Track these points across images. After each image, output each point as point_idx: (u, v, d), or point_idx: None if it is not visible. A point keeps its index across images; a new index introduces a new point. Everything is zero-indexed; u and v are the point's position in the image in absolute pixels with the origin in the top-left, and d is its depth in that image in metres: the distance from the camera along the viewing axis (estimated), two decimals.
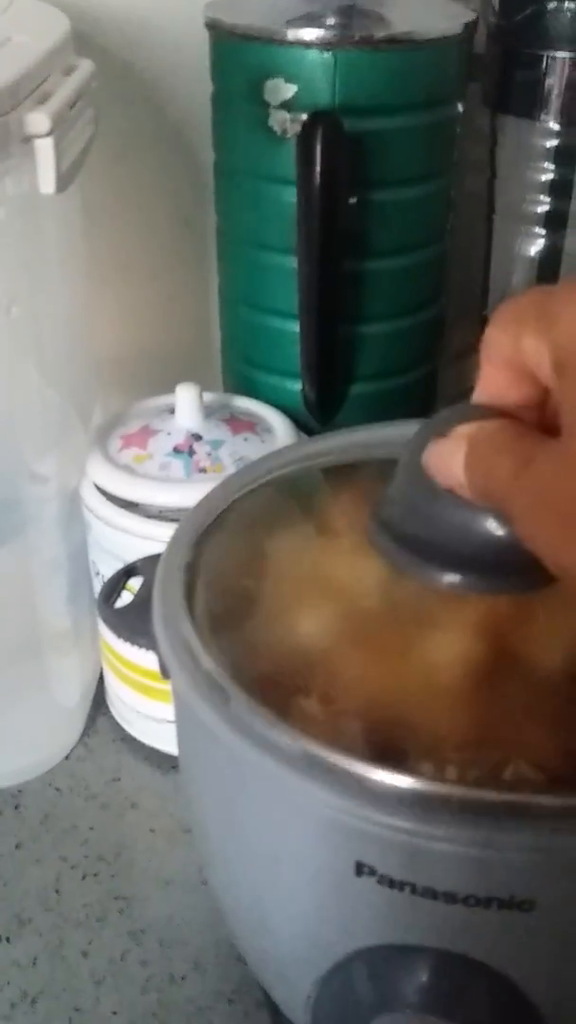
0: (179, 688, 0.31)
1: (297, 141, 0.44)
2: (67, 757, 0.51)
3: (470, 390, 0.66)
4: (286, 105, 0.46)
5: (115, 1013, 0.40)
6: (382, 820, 0.26)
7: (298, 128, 0.45)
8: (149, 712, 0.50)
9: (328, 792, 0.27)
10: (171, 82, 0.56)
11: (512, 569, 0.32)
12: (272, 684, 0.31)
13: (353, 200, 0.47)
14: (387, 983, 0.30)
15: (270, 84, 0.46)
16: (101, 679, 0.54)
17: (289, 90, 0.46)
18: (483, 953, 0.29)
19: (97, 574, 0.49)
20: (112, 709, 0.53)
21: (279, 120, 0.47)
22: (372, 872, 0.28)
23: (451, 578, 0.32)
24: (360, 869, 0.28)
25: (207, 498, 0.39)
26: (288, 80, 0.46)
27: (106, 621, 0.38)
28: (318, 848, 0.29)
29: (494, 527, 0.33)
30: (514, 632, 0.32)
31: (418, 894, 0.28)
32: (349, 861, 0.28)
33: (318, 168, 0.43)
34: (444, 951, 0.29)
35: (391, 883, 0.28)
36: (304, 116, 0.45)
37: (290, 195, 0.46)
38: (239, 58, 0.47)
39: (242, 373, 0.55)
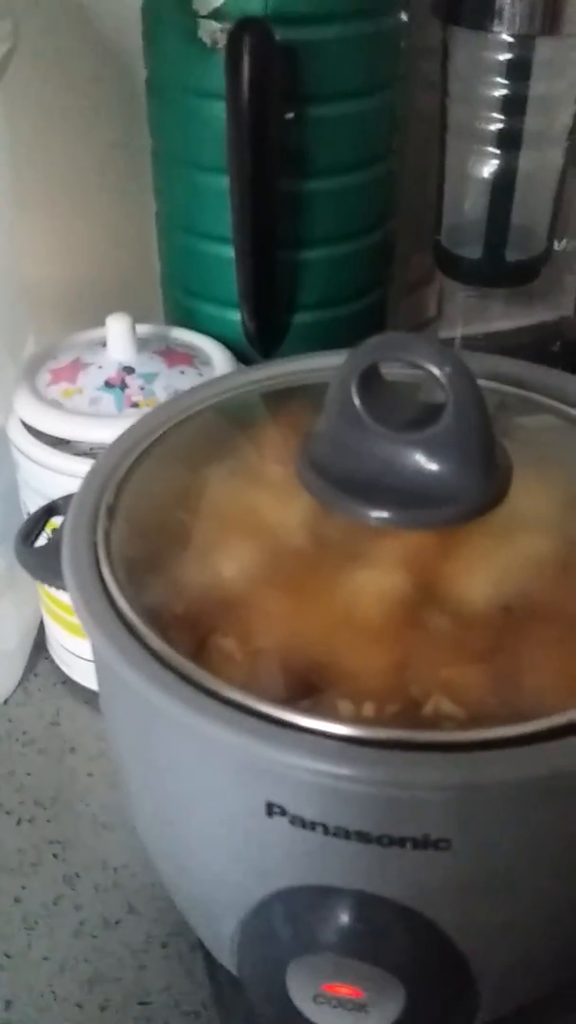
0: (87, 629, 0.30)
1: (225, 52, 0.42)
2: (5, 702, 0.50)
3: (425, 322, 0.64)
4: (216, 14, 0.44)
5: (46, 959, 0.40)
6: (288, 761, 0.25)
7: None
8: (87, 655, 0.48)
9: (234, 733, 0.26)
10: None
11: (437, 503, 0.31)
12: (189, 624, 0.30)
13: (290, 115, 0.45)
14: (306, 925, 0.29)
15: None
16: (43, 623, 0.52)
17: None
18: (400, 894, 0.28)
19: (28, 514, 0.48)
20: (52, 653, 0.52)
21: (208, 31, 0.44)
22: (283, 812, 0.27)
23: (377, 513, 0.31)
24: (271, 810, 0.27)
25: (127, 432, 0.37)
26: None
27: (21, 561, 0.36)
28: (229, 789, 0.28)
29: (420, 461, 0.31)
30: (438, 567, 0.31)
31: (331, 834, 0.26)
32: (260, 801, 0.27)
33: (246, 80, 0.41)
34: (361, 892, 0.28)
35: (303, 823, 0.27)
36: None
37: (223, 111, 0.44)
38: None
39: (182, 303, 0.53)
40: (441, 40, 0.52)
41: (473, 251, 0.55)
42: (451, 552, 0.31)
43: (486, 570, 0.31)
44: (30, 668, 0.52)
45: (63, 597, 0.48)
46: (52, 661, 0.52)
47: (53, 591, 0.48)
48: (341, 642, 0.30)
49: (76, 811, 0.45)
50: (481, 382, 0.37)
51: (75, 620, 0.49)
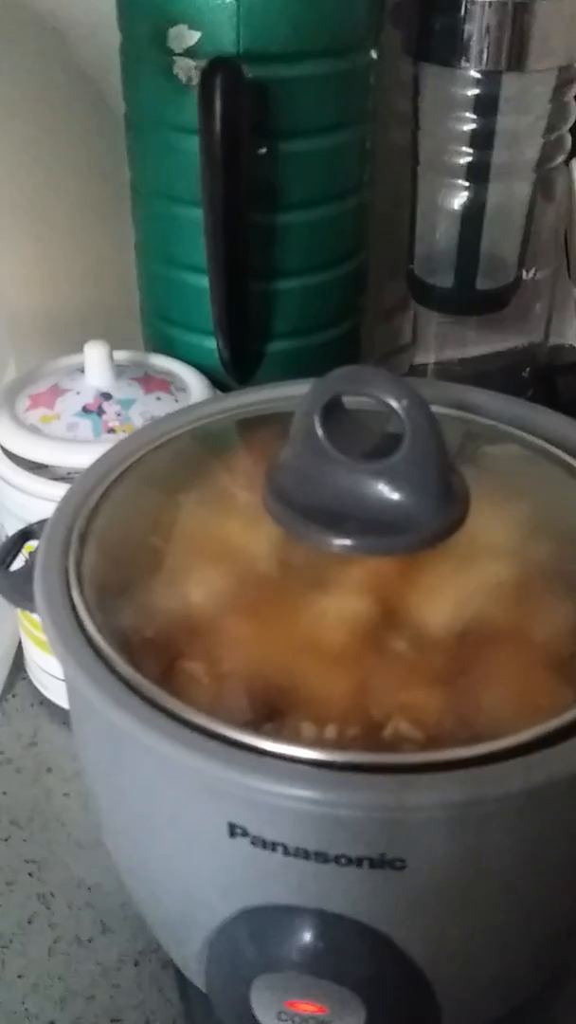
0: (57, 652, 0.30)
1: (197, 89, 0.43)
2: None
3: (400, 349, 0.65)
4: (190, 52, 0.45)
5: (20, 976, 0.40)
6: (248, 783, 0.26)
7: None
8: None
9: (196, 756, 0.27)
10: (79, 31, 0.54)
11: (397, 531, 0.32)
12: (157, 648, 0.31)
13: (262, 150, 0.46)
14: (269, 943, 0.30)
15: (174, 31, 0.45)
16: (21, 644, 0.53)
17: (193, 37, 0.45)
18: (359, 912, 0.28)
19: (5, 538, 0.48)
20: (30, 673, 0.52)
21: (183, 68, 0.45)
22: (245, 833, 0.28)
23: (339, 541, 0.32)
24: (233, 830, 0.28)
25: (101, 459, 0.38)
26: (192, 27, 0.44)
27: None
28: (193, 810, 0.29)
29: (381, 490, 0.32)
30: (399, 593, 0.32)
31: (291, 854, 0.27)
32: (222, 823, 0.28)
33: (218, 116, 0.42)
34: (321, 911, 0.29)
35: (264, 844, 0.27)
36: None
37: (197, 145, 0.45)
38: (144, 4, 0.46)
39: (159, 331, 0.54)
40: (412, 76, 0.54)
41: (445, 280, 0.56)
42: (411, 578, 0.32)
43: (445, 596, 0.32)
44: (8, 688, 0.52)
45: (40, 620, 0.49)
46: (30, 682, 0.52)
47: (30, 613, 0.49)
48: (304, 666, 0.30)
49: (52, 831, 0.46)
50: (444, 411, 0.39)
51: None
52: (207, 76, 0.42)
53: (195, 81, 0.45)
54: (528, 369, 0.62)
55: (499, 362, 0.63)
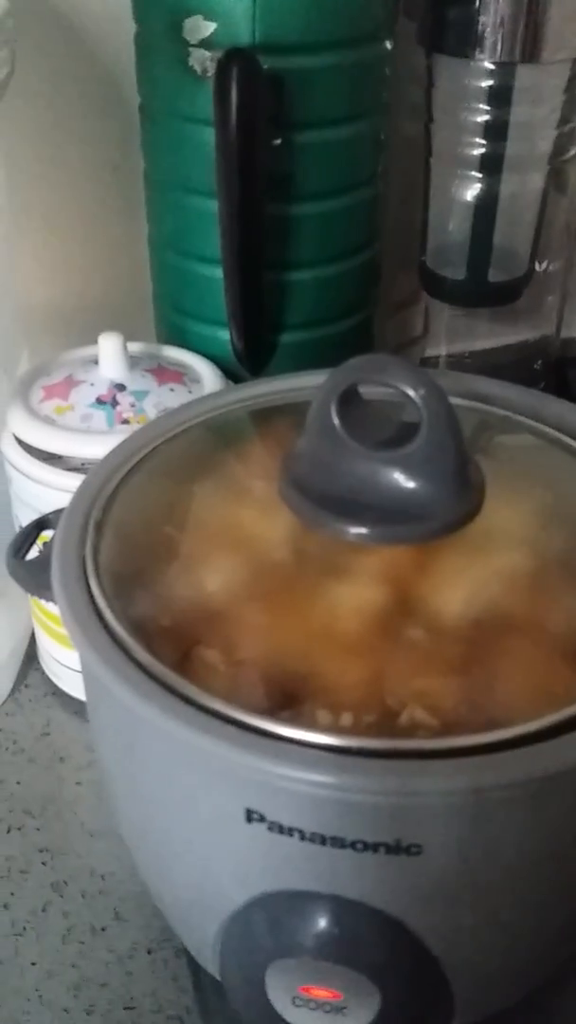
0: (75, 640, 0.31)
1: (214, 80, 0.43)
2: None
3: (411, 341, 0.65)
4: (205, 43, 0.45)
5: (34, 964, 0.40)
6: (265, 768, 0.26)
7: None
8: (78, 666, 0.49)
9: (213, 741, 0.27)
10: (95, 22, 0.54)
11: (412, 520, 0.32)
12: (174, 636, 0.31)
13: (277, 141, 0.46)
14: (284, 929, 0.30)
15: (189, 22, 0.45)
16: (34, 634, 0.53)
17: (208, 28, 0.45)
18: (375, 898, 0.29)
19: (20, 528, 0.49)
20: (43, 664, 0.52)
21: (199, 59, 0.45)
22: (262, 819, 0.28)
23: (355, 529, 0.32)
24: (250, 816, 0.28)
25: (117, 449, 0.38)
26: (207, 17, 0.45)
27: (12, 574, 0.37)
28: (209, 796, 0.29)
29: (396, 479, 0.33)
30: (414, 582, 0.32)
31: (307, 840, 0.27)
32: (239, 808, 0.28)
33: (234, 107, 0.42)
34: (336, 897, 0.29)
35: (281, 829, 0.28)
36: None
37: (212, 137, 0.45)
38: None
39: (173, 322, 0.54)
40: (425, 67, 0.54)
41: (457, 272, 0.56)
42: (427, 567, 0.32)
43: (460, 584, 0.32)
44: (21, 679, 0.53)
45: (54, 609, 0.49)
46: (43, 672, 0.53)
47: (44, 603, 0.49)
48: (320, 654, 0.30)
49: (65, 820, 0.46)
50: (459, 401, 0.39)
51: (65, 632, 0.50)
52: (223, 67, 0.43)
53: (210, 72, 0.45)
54: (540, 362, 0.62)
55: (511, 355, 0.63)
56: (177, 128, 0.48)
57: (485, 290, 0.56)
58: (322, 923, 0.29)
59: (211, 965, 0.35)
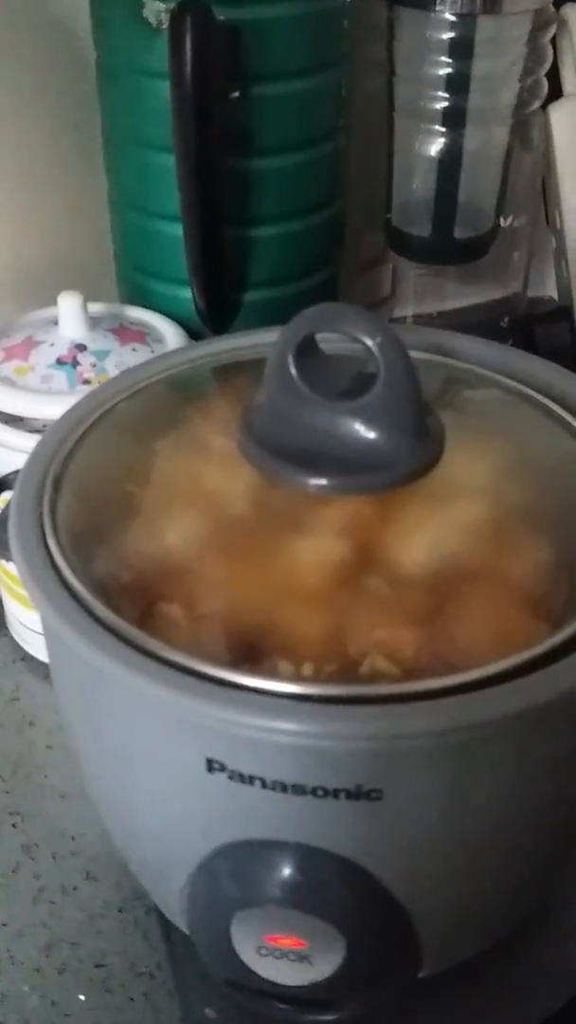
0: (33, 598, 0.30)
1: (168, 31, 0.42)
2: None
3: (378, 302, 0.65)
4: None
5: (5, 925, 0.40)
6: (223, 716, 0.26)
7: None
8: None
9: (172, 691, 0.27)
10: None
11: (371, 470, 0.32)
12: (135, 592, 0.31)
13: (235, 94, 0.45)
14: (248, 878, 0.30)
15: None
16: (1, 600, 0.53)
17: None
18: (337, 845, 0.29)
19: None
20: (11, 629, 0.52)
21: (153, 11, 0.45)
22: (223, 768, 0.28)
23: (314, 480, 0.32)
24: (211, 766, 0.28)
25: (75, 407, 0.38)
26: None
27: None
28: (171, 747, 0.29)
29: (355, 429, 0.32)
30: (375, 533, 0.32)
31: (268, 788, 0.27)
32: (200, 758, 0.28)
33: (188, 60, 0.41)
34: (299, 844, 0.29)
35: (242, 778, 0.28)
36: None
37: (169, 90, 0.44)
38: None
39: (135, 282, 0.53)
40: (387, 20, 0.53)
41: (422, 229, 0.56)
42: (387, 518, 0.32)
43: (420, 535, 0.32)
44: None
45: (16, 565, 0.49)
46: (11, 638, 0.52)
47: (10, 568, 0.49)
48: (281, 607, 0.30)
49: (35, 783, 0.46)
50: (424, 356, 0.38)
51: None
52: (176, 18, 0.42)
53: (165, 24, 0.44)
54: (507, 319, 0.62)
55: (479, 314, 0.63)
56: (134, 83, 0.47)
57: (451, 247, 0.56)
58: (286, 871, 0.29)
59: (180, 920, 0.35)
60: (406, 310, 0.63)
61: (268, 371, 0.33)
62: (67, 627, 0.29)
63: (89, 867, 0.42)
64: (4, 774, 0.46)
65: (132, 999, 0.38)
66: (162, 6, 0.44)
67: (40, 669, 0.51)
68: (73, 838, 0.43)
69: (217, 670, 0.27)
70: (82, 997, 0.38)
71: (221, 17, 0.43)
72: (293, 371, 0.32)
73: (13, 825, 0.44)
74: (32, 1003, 0.38)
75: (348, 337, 0.31)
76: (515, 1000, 0.37)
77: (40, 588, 0.30)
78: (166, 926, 0.39)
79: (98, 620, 0.29)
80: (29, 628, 0.50)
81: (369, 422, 0.31)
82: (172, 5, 0.43)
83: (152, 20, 0.45)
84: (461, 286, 0.62)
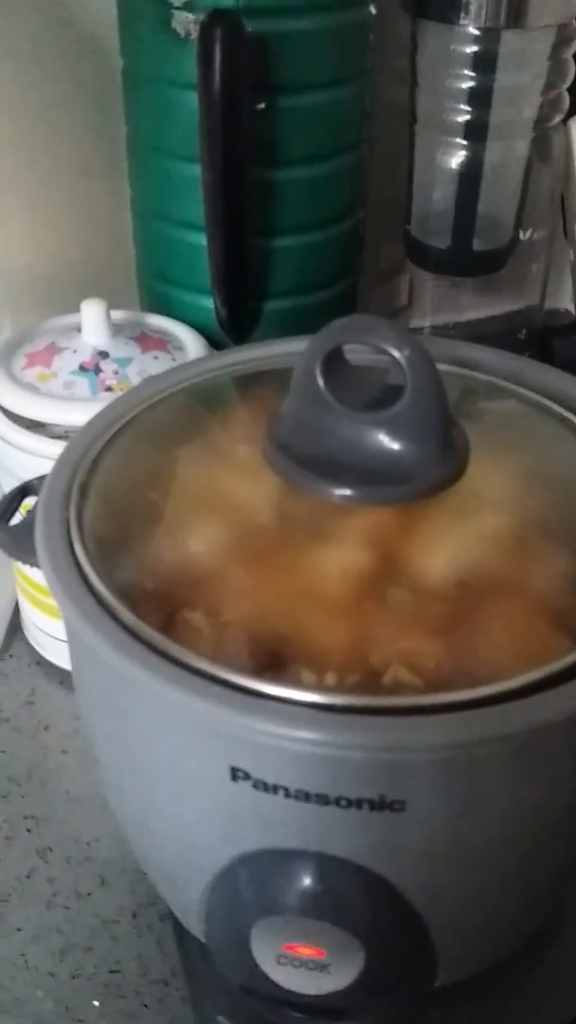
0: (60, 602, 0.31)
1: (197, 43, 0.43)
2: None
3: (396, 312, 0.65)
4: (189, 6, 0.44)
5: (19, 929, 0.40)
6: (249, 724, 0.26)
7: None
8: (62, 635, 0.49)
9: (198, 698, 0.27)
10: None
11: (397, 481, 0.32)
12: (159, 599, 0.31)
13: (261, 105, 0.46)
14: (269, 887, 0.30)
15: None
16: (18, 605, 0.53)
17: None
18: (359, 855, 0.29)
19: (2, 495, 0.48)
20: (27, 634, 0.52)
21: (182, 21, 0.45)
22: (247, 776, 0.28)
23: (339, 491, 0.32)
24: (235, 774, 0.28)
25: (100, 414, 0.38)
26: None
27: None
28: (195, 755, 0.29)
29: (381, 440, 0.33)
30: (399, 544, 0.32)
31: (292, 797, 0.28)
32: (224, 766, 0.28)
33: (217, 71, 0.42)
34: (321, 854, 0.29)
35: (265, 787, 0.28)
36: None
37: (196, 101, 0.44)
38: None
39: (156, 290, 0.54)
40: (410, 33, 0.53)
41: (441, 240, 0.56)
42: (411, 529, 0.32)
43: (443, 546, 0.32)
44: (5, 649, 0.53)
45: (38, 579, 0.49)
46: (27, 642, 0.53)
47: (29, 573, 0.49)
48: (305, 615, 0.31)
49: (50, 787, 0.46)
50: (444, 367, 0.39)
51: (49, 602, 0.50)
52: (206, 29, 0.42)
53: (194, 35, 0.44)
54: (524, 331, 0.62)
55: (496, 326, 0.63)
56: (160, 92, 0.48)
57: (469, 259, 0.56)
58: (307, 881, 0.29)
59: (196, 928, 0.35)
60: (423, 321, 0.63)
61: (295, 381, 0.33)
62: (93, 632, 0.29)
63: (103, 872, 0.42)
64: (19, 778, 0.46)
65: (146, 1005, 0.38)
66: (191, 17, 0.45)
67: (55, 674, 0.51)
68: (88, 843, 0.44)
69: (241, 678, 0.27)
70: (96, 1003, 0.38)
71: (249, 29, 0.43)
72: (320, 382, 0.32)
73: (28, 830, 0.44)
74: (46, 1008, 0.38)
75: (375, 349, 0.31)
76: (529, 1010, 0.37)
77: (67, 592, 0.30)
78: (180, 932, 0.39)
79: (124, 626, 0.29)
80: (45, 632, 0.50)
81: (395, 433, 0.32)
82: (201, 16, 0.43)
83: (180, 31, 0.45)
84: (478, 298, 0.62)
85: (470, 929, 0.33)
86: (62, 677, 0.51)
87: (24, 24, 0.53)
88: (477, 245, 0.56)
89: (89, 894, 0.42)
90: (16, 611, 0.53)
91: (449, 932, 0.32)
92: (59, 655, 0.51)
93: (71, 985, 0.39)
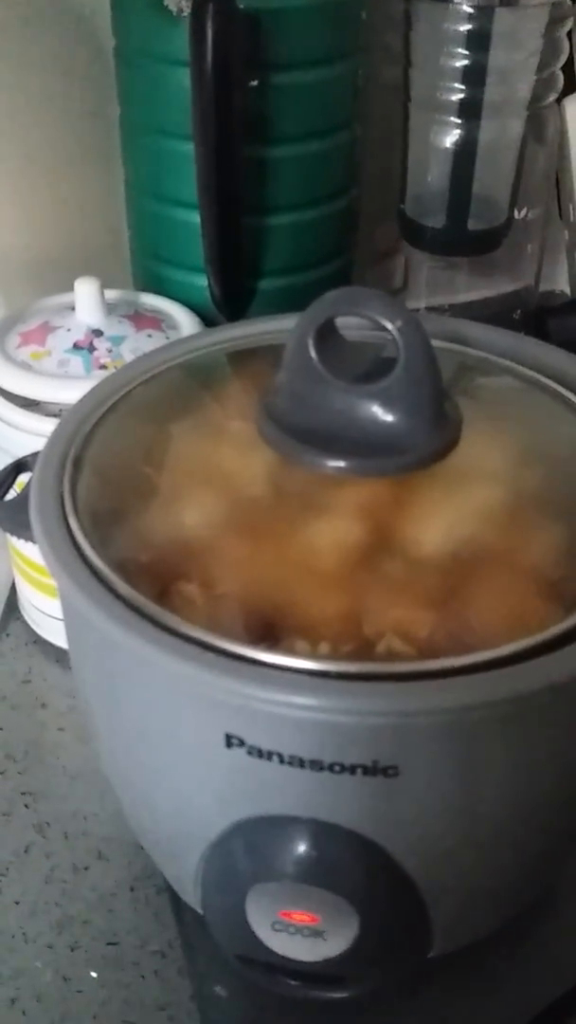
0: (55, 575, 0.31)
1: (189, 19, 0.43)
2: None
3: (391, 293, 0.65)
4: None
5: (17, 903, 0.41)
6: (244, 691, 0.26)
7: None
8: (58, 614, 0.49)
9: (192, 666, 0.27)
10: None
11: (389, 453, 0.32)
12: (154, 571, 0.31)
13: (254, 83, 0.46)
14: (264, 853, 0.31)
15: None
16: (14, 584, 0.53)
17: None
18: (353, 821, 0.29)
19: None
20: (24, 613, 0.53)
21: None
22: (241, 743, 0.28)
23: (332, 462, 0.32)
24: (230, 741, 0.28)
25: (94, 389, 0.38)
26: None
27: None
28: (190, 722, 0.29)
29: (374, 412, 0.33)
30: (392, 515, 0.32)
31: (286, 763, 0.28)
32: (219, 733, 0.28)
33: (210, 48, 0.42)
34: (315, 820, 0.29)
35: (260, 753, 0.28)
36: None
37: (188, 78, 0.44)
38: None
39: (150, 269, 0.54)
40: (404, 11, 0.53)
41: (436, 220, 0.56)
42: (404, 500, 0.33)
43: (437, 518, 0.32)
44: (2, 629, 0.53)
45: (34, 558, 0.49)
46: (24, 621, 0.53)
47: (25, 552, 0.49)
48: (299, 587, 0.31)
49: (46, 764, 0.46)
50: (440, 343, 0.39)
51: (46, 581, 0.51)
52: (199, 6, 0.42)
53: (186, 12, 0.44)
54: (519, 312, 0.62)
55: (491, 307, 0.63)
56: (152, 70, 0.48)
57: (464, 238, 0.56)
58: (301, 847, 0.30)
59: (192, 897, 0.35)
60: (418, 302, 0.63)
61: (288, 353, 0.33)
62: (88, 603, 0.29)
63: (101, 847, 0.43)
64: (16, 755, 0.46)
65: (143, 976, 0.39)
66: None
67: (52, 652, 0.51)
68: (85, 818, 0.44)
69: (236, 646, 0.27)
70: (94, 974, 0.39)
71: (241, 5, 0.43)
72: (313, 354, 0.32)
73: (25, 805, 0.44)
74: (45, 979, 0.38)
75: (368, 321, 0.31)
76: (523, 982, 0.38)
77: (61, 565, 0.30)
78: (177, 905, 0.39)
79: (119, 596, 0.29)
80: (42, 611, 0.51)
81: (388, 405, 0.32)
82: None
83: (172, 8, 0.45)
84: (473, 278, 0.62)
85: (464, 897, 0.33)
86: (58, 656, 0.51)
87: (12, 4, 0.53)
88: (472, 225, 0.56)
89: (87, 868, 0.42)
90: (13, 591, 0.54)
91: (443, 899, 0.32)
92: (55, 634, 0.51)
93: (69, 957, 0.39)
